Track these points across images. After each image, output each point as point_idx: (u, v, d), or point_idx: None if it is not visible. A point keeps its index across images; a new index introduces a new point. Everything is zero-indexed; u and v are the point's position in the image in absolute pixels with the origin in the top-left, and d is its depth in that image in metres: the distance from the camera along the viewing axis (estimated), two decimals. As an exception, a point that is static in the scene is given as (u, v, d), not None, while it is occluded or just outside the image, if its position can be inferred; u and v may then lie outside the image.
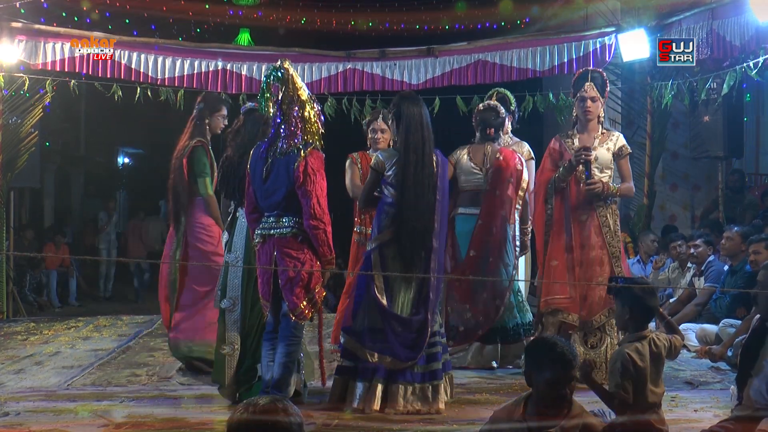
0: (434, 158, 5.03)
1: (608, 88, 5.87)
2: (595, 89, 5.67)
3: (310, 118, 4.81)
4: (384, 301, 4.94)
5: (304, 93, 4.84)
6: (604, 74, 5.88)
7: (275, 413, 2.33)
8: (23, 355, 6.86)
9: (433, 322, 4.98)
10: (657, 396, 3.97)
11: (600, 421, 3.70)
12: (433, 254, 4.99)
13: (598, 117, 5.73)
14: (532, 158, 6.58)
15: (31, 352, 6.98)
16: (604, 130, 5.78)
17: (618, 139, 5.75)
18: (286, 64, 4.84)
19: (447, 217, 5.22)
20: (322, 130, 4.90)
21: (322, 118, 4.95)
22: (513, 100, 6.61)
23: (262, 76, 5.36)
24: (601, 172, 5.65)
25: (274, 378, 4.79)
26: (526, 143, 6.46)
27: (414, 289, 4.98)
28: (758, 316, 4.49)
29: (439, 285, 5.08)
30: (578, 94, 5.73)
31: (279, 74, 4.80)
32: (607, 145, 5.70)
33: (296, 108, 4.79)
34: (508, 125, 6.50)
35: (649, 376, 3.92)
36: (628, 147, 5.82)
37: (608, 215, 5.65)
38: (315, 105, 4.91)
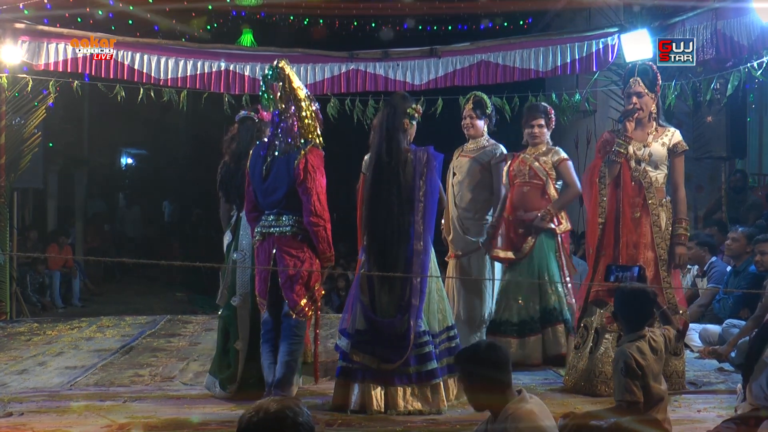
0: (408, 157, 4.96)
1: (660, 82, 5.57)
2: (641, 84, 5.43)
3: (307, 115, 4.82)
4: (367, 302, 4.95)
5: (302, 91, 4.86)
6: (654, 67, 5.61)
7: (285, 418, 2.31)
8: (26, 355, 6.86)
9: (418, 326, 4.90)
10: (662, 392, 3.97)
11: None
12: (415, 257, 4.91)
13: (651, 113, 5.49)
14: (506, 160, 6.62)
15: (35, 352, 6.99)
16: (659, 126, 5.54)
17: (674, 135, 5.49)
18: (282, 63, 4.87)
19: (434, 217, 5.06)
20: (320, 128, 4.91)
21: (321, 116, 4.96)
22: (490, 104, 6.69)
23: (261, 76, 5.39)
24: (656, 168, 5.44)
25: (277, 377, 4.81)
26: (500, 145, 6.54)
27: (397, 291, 4.93)
28: None
29: (423, 288, 4.94)
30: (625, 90, 5.53)
31: (276, 73, 4.83)
32: (662, 140, 5.46)
33: (293, 107, 4.80)
34: (485, 128, 6.56)
35: (650, 374, 3.92)
36: (685, 144, 5.53)
37: (661, 214, 5.43)
38: (313, 103, 4.92)
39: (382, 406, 4.87)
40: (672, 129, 5.58)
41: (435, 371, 4.93)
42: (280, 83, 4.82)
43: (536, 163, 6.46)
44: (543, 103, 7.05)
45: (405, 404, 4.86)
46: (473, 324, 6.24)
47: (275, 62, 4.92)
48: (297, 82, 4.88)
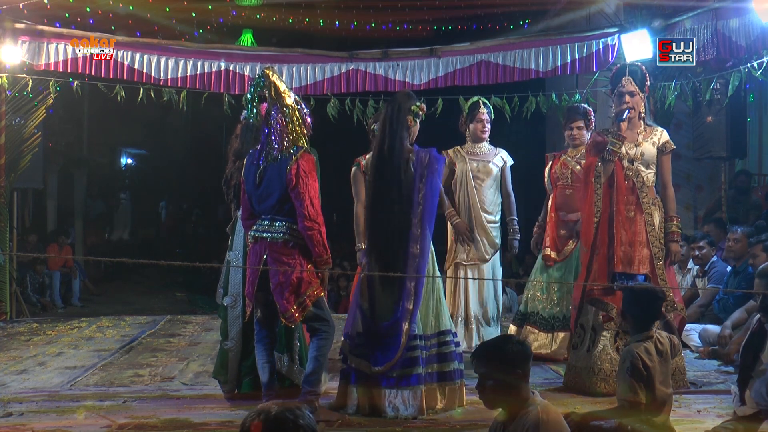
0: (410, 157, 4.93)
1: (648, 82, 5.67)
2: (633, 83, 5.50)
3: (293, 121, 4.83)
4: (366, 306, 4.94)
5: (289, 97, 4.87)
6: (644, 68, 5.68)
7: (286, 420, 2.31)
8: (26, 355, 6.87)
9: (412, 329, 4.87)
10: (666, 395, 3.96)
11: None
12: (411, 260, 4.87)
13: (640, 113, 5.57)
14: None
15: (35, 352, 6.99)
16: (647, 126, 5.62)
17: (662, 135, 5.60)
18: (266, 71, 4.89)
19: (433, 220, 5.00)
20: (309, 133, 4.91)
21: (309, 121, 4.95)
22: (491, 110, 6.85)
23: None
24: (647, 168, 5.52)
25: (306, 373, 4.86)
26: (502, 149, 6.71)
27: (394, 294, 4.90)
28: (757, 316, 4.49)
29: (418, 291, 4.90)
30: (616, 90, 5.58)
31: (261, 83, 4.85)
32: (653, 140, 5.56)
33: (279, 114, 4.81)
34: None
35: (657, 376, 3.91)
36: (672, 144, 5.64)
37: (654, 212, 5.50)
38: (301, 107, 4.93)
39: (368, 408, 4.87)
40: (660, 129, 5.68)
41: (415, 377, 4.86)
42: (266, 91, 4.84)
43: (578, 167, 6.47)
44: (583, 105, 7.12)
45: (388, 405, 4.84)
46: (490, 320, 6.48)
47: (260, 72, 4.98)
48: (283, 88, 4.89)
